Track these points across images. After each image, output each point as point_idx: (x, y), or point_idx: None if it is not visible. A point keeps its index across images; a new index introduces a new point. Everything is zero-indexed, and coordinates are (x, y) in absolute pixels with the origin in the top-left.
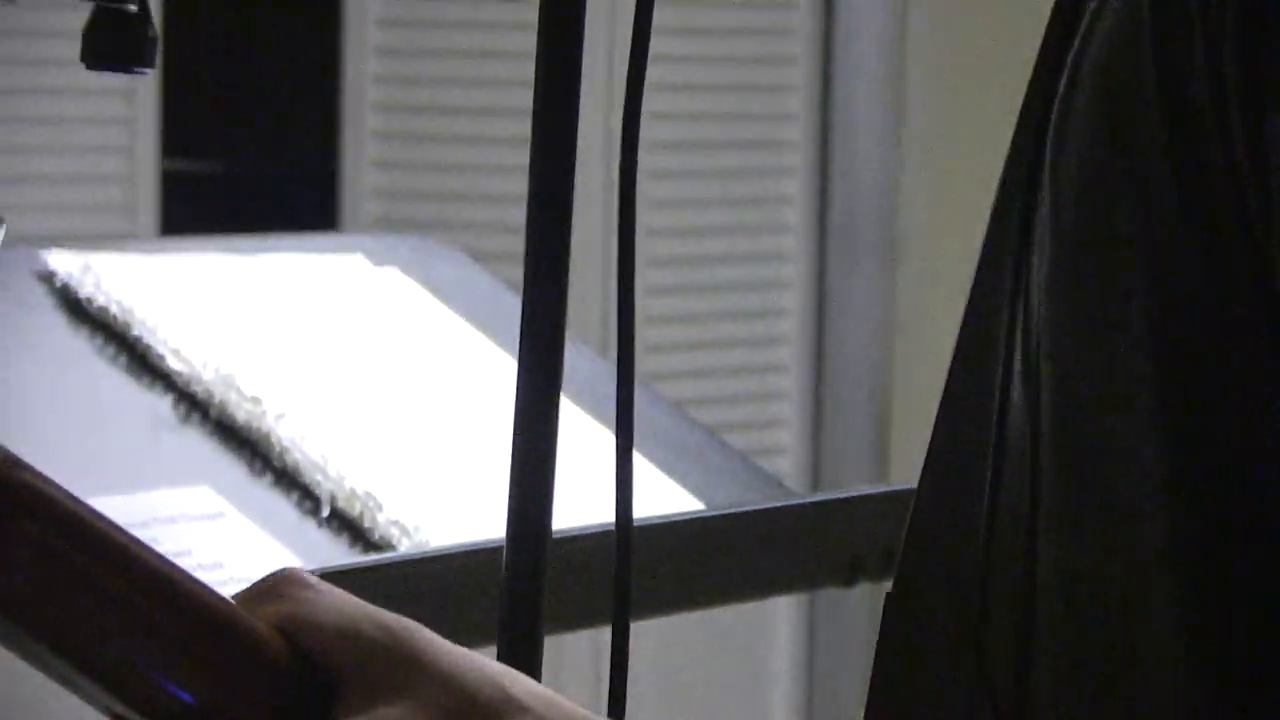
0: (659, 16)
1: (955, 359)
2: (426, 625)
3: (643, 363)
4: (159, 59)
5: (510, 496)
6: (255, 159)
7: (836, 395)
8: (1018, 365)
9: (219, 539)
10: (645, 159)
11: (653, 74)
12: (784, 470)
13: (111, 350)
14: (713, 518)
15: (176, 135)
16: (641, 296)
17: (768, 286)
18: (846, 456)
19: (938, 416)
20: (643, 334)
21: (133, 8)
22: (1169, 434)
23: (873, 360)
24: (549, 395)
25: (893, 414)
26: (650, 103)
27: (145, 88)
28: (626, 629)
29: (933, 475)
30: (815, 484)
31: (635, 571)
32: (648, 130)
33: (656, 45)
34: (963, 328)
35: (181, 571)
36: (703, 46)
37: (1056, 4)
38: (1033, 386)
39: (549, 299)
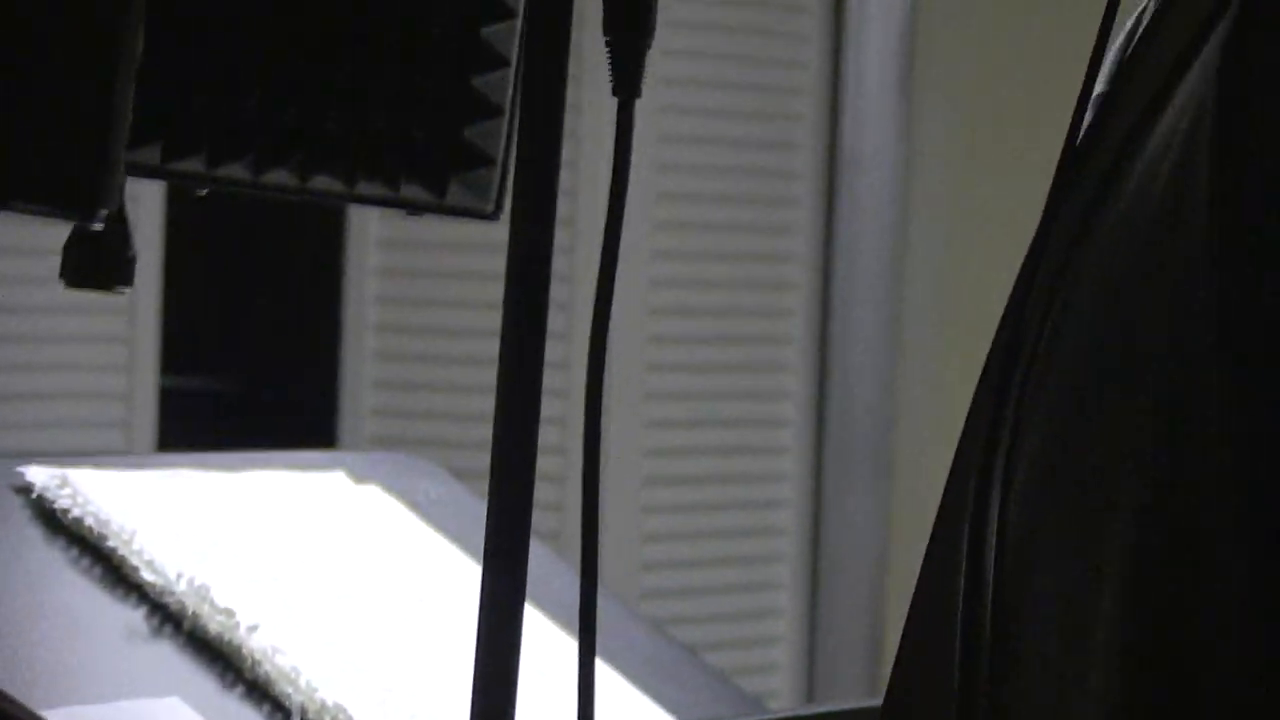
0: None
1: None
2: None
3: (637, 580)
4: (159, 276)
5: (472, 709)
6: (255, 377)
7: (831, 613)
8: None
9: None
10: (642, 377)
11: (648, 296)
12: (777, 688)
13: (86, 562)
14: None
15: (176, 353)
16: (636, 513)
17: (763, 505)
18: (840, 675)
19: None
20: (639, 551)
21: (97, 227)
22: (1126, 665)
23: (868, 577)
24: (512, 607)
25: (887, 632)
26: (648, 321)
27: (145, 305)
28: None
29: (905, 659)
30: (809, 702)
31: None
32: (646, 349)
33: (647, 265)
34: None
35: None
36: (695, 270)
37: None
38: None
39: (514, 510)
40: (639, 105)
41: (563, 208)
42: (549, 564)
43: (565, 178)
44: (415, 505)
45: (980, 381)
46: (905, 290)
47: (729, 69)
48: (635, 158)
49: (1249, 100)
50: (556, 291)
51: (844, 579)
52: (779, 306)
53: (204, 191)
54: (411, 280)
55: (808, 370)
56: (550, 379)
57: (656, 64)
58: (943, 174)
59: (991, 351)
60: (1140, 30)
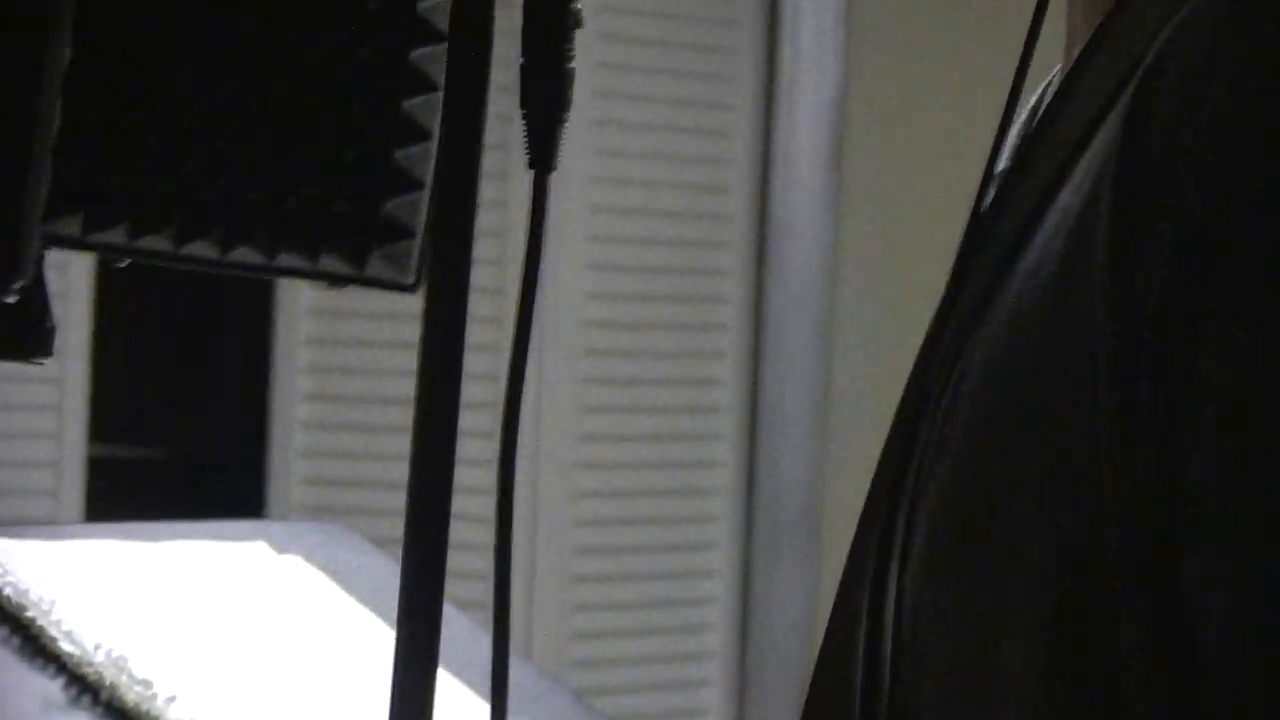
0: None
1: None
2: None
3: (567, 649)
4: (88, 345)
5: None
6: (184, 446)
7: (760, 683)
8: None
9: None
10: (573, 445)
11: (580, 365)
12: None
13: (4, 632)
14: None
15: (105, 421)
16: (568, 582)
17: (693, 574)
18: None
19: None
20: (569, 620)
21: (12, 299)
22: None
23: (797, 647)
24: (424, 665)
25: None
26: (580, 390)
27: (74, 374)
28: None
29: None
30: None
31: None
32: (578, 417)
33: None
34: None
35: None
36: (627, 340)
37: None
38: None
39: (427, 576)
40: (571, 176)
41: (491, 277)
42: (472, 634)
43: (493, 247)
44: (336, 575)
45: (883, 454)
46: (834, 360)
47: (660, 140)
48: (568, 228)
49: (1146, 176)
50: (482, 361)
51: (773, 649)
52: (710, 375)
53: (125, 263)
54: (341, 349)
55: (738, 439)
56: (478, 448)
57: (589, 134)
58: (872, 245)
59: (893, 425)
60: (1043, 108)
